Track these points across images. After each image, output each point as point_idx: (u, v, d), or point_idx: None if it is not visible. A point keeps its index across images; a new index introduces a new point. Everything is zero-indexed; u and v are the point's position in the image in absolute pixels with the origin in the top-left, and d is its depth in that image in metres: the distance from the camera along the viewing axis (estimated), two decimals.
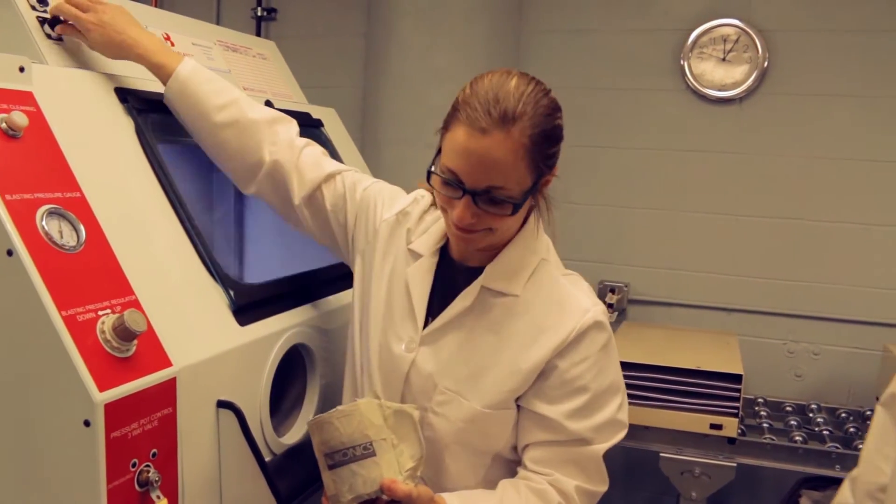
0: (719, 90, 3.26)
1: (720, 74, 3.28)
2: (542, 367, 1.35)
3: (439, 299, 1.43)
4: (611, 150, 3.39)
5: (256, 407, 1.48)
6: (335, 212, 1.55)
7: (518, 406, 1.38)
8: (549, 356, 1.34)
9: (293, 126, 1.60)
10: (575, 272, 1.46)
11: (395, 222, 1.51)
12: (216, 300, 1.44)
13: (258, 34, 3.68)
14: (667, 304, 3.34)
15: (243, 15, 3.74)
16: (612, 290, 3.35)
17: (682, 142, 3.31)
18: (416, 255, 1.46)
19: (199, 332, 1.36)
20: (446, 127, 1.30)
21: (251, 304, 1.50)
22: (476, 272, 1.41)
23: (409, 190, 1.60)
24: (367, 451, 1.25)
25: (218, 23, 3.75)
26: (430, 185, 1.33)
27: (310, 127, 2.09)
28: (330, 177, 1.56)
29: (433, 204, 1.48)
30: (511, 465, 1.43)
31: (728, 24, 3.25)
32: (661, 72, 3.31)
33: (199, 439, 1.34)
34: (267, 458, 1.47)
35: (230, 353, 1.41)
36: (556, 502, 1.35)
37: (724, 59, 3.27)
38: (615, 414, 1.37)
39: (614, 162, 3.39)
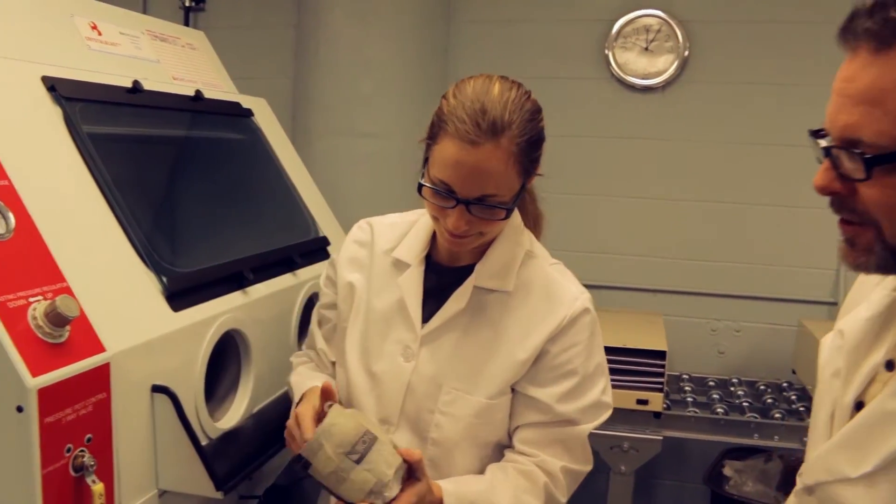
0: (643, 79, 3.37)
1: (643, 64, 3.39)
2: (537, 354, 1.40)
3: (430, 304, 1.46)
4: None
5: (191, 392, 1.49)
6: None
7: (512, 390, 1.43)
8: (542, 343, 1.39)
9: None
10: (559, 261, 1.51)
11: (355, 257, 1.55)
12: (149, 286, 1.45)
13: (186, 25, 3.64)
14: (594, 286, 3.43)
15: (171, 4, 3.68)
16: None
17: (608, 129, 3.41)
18: (402, 265, 1.49)
19: (133, 318, 1.37)
20: (433, 138, 1.32)
21: (184, 290, 1.52)
22: (463, 272, 1.45)
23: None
24: (372, 438, 1.25)
25: (145, 12, 3.69)
26: (421, 195, 1.35)
27: (240, 117, 2.10)
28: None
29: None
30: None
31: (650, 15, 3.35)
32: (586, 61, 3.40)
33: (134, 424, 1.36)
34: (203, 443, 1.49)
35: (164, 338, 1.42)
36: (543, 482, 1.40)
37: (646, 49, 3.37)
38: (600, 396, 1.43)
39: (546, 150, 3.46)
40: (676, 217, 3.35)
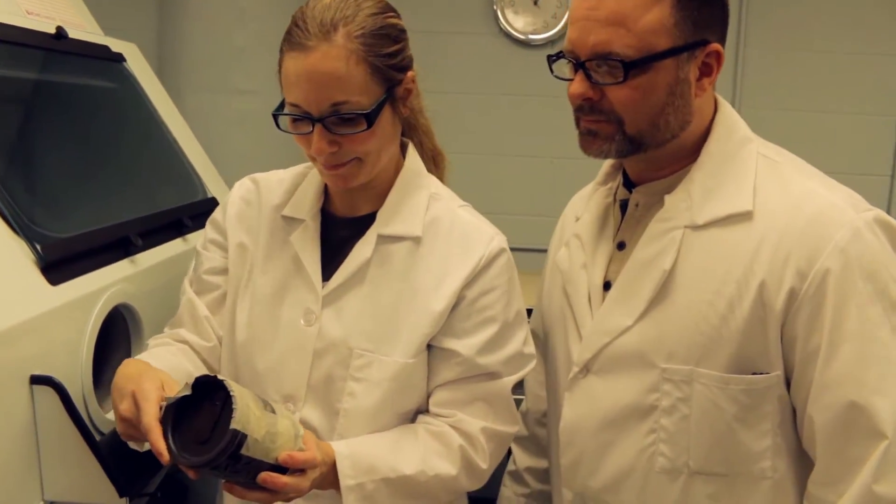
0: (531, 34, 3.28)
1: (531, 19, 3.30)
2: (454, 302, 1.26)
3: (330, 261, 1.30)
4: (426, 94, 3.31)
5: (78, 380, 1.25)
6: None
7: (428, 347, 1.28)
8: (459, 289, 1.25)
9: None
10: (468, 202, 1.38)
11: (242, 216, 1.36)
12: (20, 257, 1.19)
13: None
14: None
15: None
16: None
17: (496, 85, 3.31)
18: (294, 222, 1.32)
19: (2, 296, 1.12)
20: (279, 65, 1.21)
21: (63, 259, 1.26)
22: (364, 222, 1.31)
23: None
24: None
25: None
26: (279, 128, 1.23)
27: (110, 62, 1.82)
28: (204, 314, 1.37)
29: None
30: None
31: None
32: (474, 15, 3.30)
33: (10, 424, 1.11)
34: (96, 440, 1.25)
35: (42, 317, 1.17)
36: (458, 445, 1.25)
37: (535, 4, 3.29)
38: (522, 346, 1.30)
39: (430, 107, 3.32)
40: (569, 175, 3.28)
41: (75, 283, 1.28)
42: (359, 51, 1.16)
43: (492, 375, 1.28)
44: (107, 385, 1.42)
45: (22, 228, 1.21)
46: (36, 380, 1.15)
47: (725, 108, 1.21)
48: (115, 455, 1.24)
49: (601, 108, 1.12)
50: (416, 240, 1.29)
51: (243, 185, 1.40)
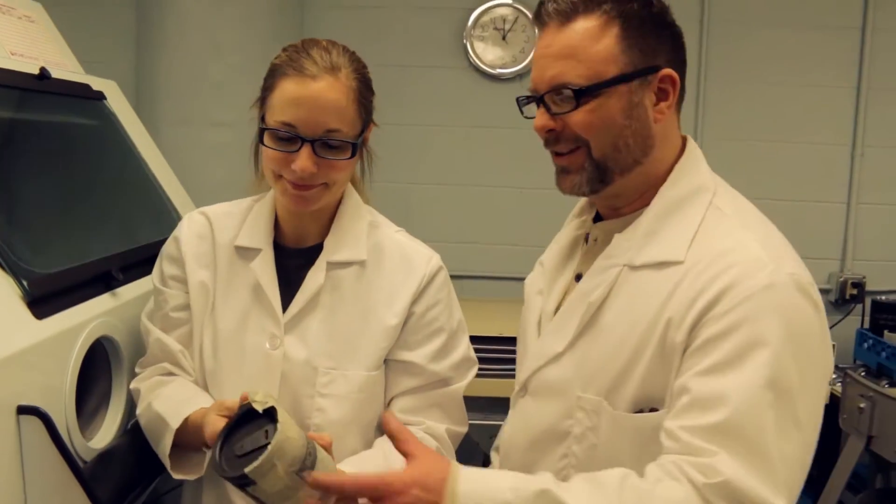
0: (499, 68, 3.39)
1: (500, 53, 3.41)
2: (405, 317, 1.40)
3: (285, 290, 1.41)
4: (397, 126, 3.41)
5: (62, 410, 1.30)
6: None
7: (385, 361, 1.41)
8: (408, 305, 1.40)
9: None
10: (402, 227, 1.52)
11: (199, 253, 1.45)
12: (7, 292, 1.25)
13: None
14: (460, 276, 3.42)
15: None
16: None
17: (466, 118, 3.40)
18: (250, 252, 1.41)
19: None
20: (270, 88, 1.32)
21: (48, 294, 1.32)
22: (311, 252, 1.42)
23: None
24: (313, 448, 1.10)
25: None
26: (263, 144, 1.32)
27: (90, 100, 1.89)
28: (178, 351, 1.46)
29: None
30: None
31: (505, 5, 3.39)
32: (445, 50, 3.39)
33: None
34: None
35: (29, 350, 1.23)
36: (435, 447, 1.38)
37: (503, 39, 3.39)
38: (467, 352, 1.47)
39: (400, 139, 3.41)
40: (536, 205, 3.38)
41: (60, 317, 1.34)
42: (356, 90, 1.33)
43: (444, 382, 1.43)
44: (89, 415, 1.48)
45: (9, 265, 1.27)
46: (22, 410, 1.20)
47: (691, 153, 1.23)
48: (97, 481, 1.30)
49: (565, 136, 1.17)
50: (362, 263, 1.42)
51: (195, 221, 1.48)
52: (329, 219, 1.43)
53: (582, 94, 1.13)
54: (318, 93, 1.28)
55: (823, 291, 3.53)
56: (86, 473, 1.30)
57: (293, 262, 1.42)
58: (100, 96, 1.91)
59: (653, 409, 1.12)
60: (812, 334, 1.07)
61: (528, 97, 1.21)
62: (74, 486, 1.24)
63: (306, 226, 1.42)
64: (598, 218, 1.30)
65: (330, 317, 1.39)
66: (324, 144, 1.29)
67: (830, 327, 3.24)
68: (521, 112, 1.25)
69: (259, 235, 1.42)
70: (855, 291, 3.54)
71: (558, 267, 1.33)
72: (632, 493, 1.00)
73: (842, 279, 3.53)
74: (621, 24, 1.13)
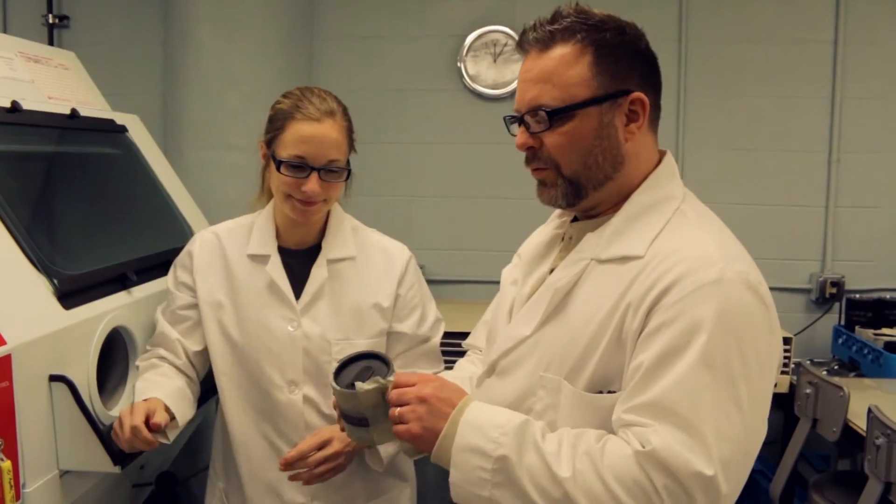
0: (492, 89, 3.70)
1: (493, 75, 3.71)
2: (394, 299, 1.81)
3: (296, 284, 1.78)
4: (398, 145, 3.74)
5: (85, 381, 1.65)
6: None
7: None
8: (395, 289, 1.82)
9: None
10: (403, 236, 1.93)
11: (213, 267, 1.81)
12: (41, 288, 1.61)
13: (51, 42, 3.67)
14: (457, 281, 3.73)
15: (33, 22, 3.71)
16: None
17: (462, 135, 3.71)
18: (261, 258, 1.79)
19: (29, 316, 1.53)
20: (280, 129, 1.69)
21: (74, 290, 1.68)
22: (310, 253, 1.80)
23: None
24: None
25: (5, 30, 3.70)
26: (280, 172, 1.67)
27: (115, 133, 2.25)
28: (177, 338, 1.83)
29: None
30: None
31: (497, 31, 3.68)
32: (441, 74, 3.70)
33: (34, 410, 1.51)
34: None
35: (58, 333, 1.58)
36: None
37: (495, 62, 3.70)
38: (436, 314, 1.90)
39: (402, 156, 3.74)
40: (526, 214, 3.62)
41: (83, 309, 1.69)
42: (346, 128, 1.72)
43: (426, 339, 1.86)
44: (109, 388, 1.83)
45: (43, 266, 1.63)
46: (53, 378, 1.55)
47: (667, 166, 1.31)
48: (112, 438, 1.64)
49: (541, 155, 1.27)
50: (353, 259, 1.81)
51: (206, 239, 1.85)
52: (321, 225, 1.81)
53: (555, 115, 1.22)
54: (323, 132, 1.66)
55: (805, 291, 3.70)
56: (104, 432, 1.64)
57: (296, 260, 1.79)
58: (122, 129, 2.27)
59: (611, 392, 1.19)
60: (756, 325, 1.14)
61: (512, 116, 1.32)
62: (93, 438, 1.58)
63: (306, 232, 1.80)
64: (576, 219, 1.40)
65: (334, 301, 1.77)
66: (327, 171, 1.67)
67: (811, 325, 3.66)
68: (508, 130, 1.34)
69: (267, 244, 1.80)
70: (834, 290, 3.66)
71: (535, 260, 1.42)
72: (585, 442, 1.15)
73: (822, 279, 3.66)
74: (594, 52, 1.23)
